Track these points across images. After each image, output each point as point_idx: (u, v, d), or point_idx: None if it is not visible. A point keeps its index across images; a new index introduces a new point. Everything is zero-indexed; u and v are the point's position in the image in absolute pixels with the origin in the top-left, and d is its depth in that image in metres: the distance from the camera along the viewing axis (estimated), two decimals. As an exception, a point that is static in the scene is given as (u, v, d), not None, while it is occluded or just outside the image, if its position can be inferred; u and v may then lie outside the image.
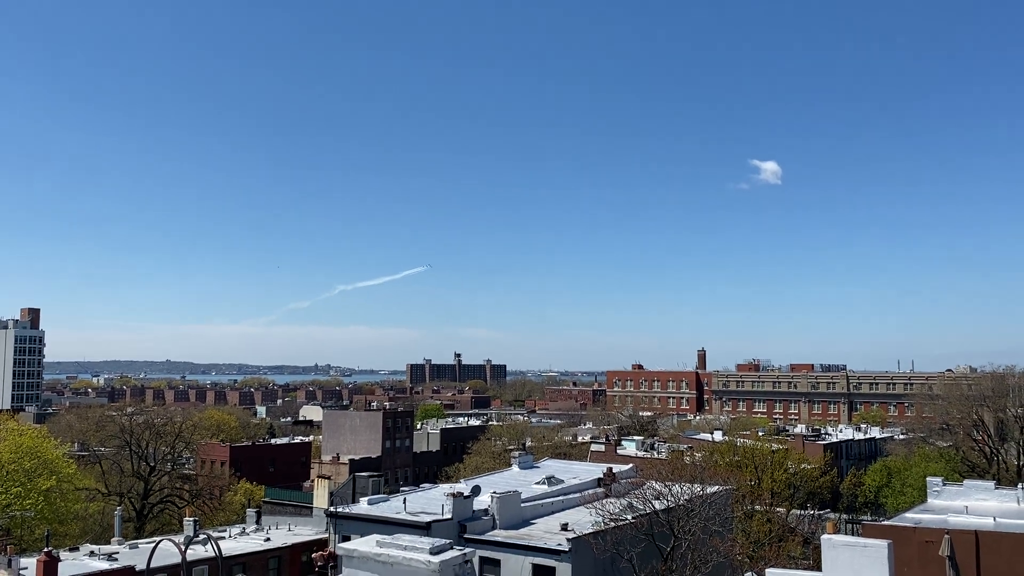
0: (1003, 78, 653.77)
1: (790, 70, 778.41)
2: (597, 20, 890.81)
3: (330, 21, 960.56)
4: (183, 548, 16.63)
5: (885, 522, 40.93)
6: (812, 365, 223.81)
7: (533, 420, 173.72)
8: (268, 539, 57.21)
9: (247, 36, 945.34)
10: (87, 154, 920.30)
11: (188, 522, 57.13)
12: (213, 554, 17.51)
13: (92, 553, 50.49)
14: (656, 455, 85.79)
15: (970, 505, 41.59)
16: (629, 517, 41.07)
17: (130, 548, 53.12)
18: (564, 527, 41.53)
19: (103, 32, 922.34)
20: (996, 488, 45.54)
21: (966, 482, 47.99)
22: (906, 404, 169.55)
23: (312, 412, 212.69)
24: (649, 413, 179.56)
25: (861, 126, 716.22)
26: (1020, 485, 45.40)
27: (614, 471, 53.96)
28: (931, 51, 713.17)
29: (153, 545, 19.72)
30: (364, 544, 12.52)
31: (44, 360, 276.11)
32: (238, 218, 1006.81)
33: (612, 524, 40.44)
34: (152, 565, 40.94)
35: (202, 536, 20.38)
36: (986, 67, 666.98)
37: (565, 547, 38.39)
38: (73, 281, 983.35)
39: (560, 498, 49.08)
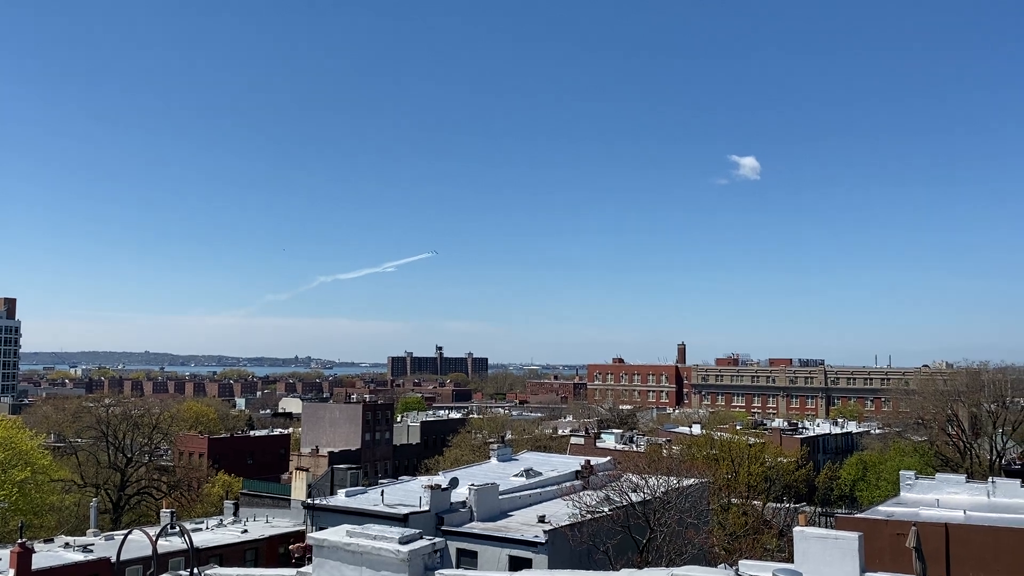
0: (979, 76, 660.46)
1: (769, 65, 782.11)
2: (573, 14, 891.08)
3: (304, 10, 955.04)
4: (154, 539, 16.59)
5: (858, 515, 41.45)
6: (790, 360, 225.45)
7: (514, 413, 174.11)
8: (245, 531, 57.17)
9: (221, 21, 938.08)
10: (63, 142, 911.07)
11: (165, 514, 57.05)
12: (186, 546, 17.50)
13: (67, 545, 50.26)
14: (635, 448, 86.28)
15: (941, 498, 42.13)
16: (606, 509, 41.31)
17: (106, 540, 52.88)
18: (541, 519, 41.74)
19: (76, 25, 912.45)
20: (967, 482, 46.16)
21: (938, 476, 48.58)
22: (882, 399, 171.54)
23: (291, 404, 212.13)
24: (629, 406, 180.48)
25: (839, 122, 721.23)
26: (991, 479, 46.06)
27: (592, 464, 54.25)
28: (907, 49, 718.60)
29: (123, 536, 19.62)
30: (334, 534, 12.55)
31: (20, 350, 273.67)
32: (217, 208, 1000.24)
33: (589, 516, 40.67)
34: (127, 557, 40.76)
35: (176, 527, 20.32)
36: (963, 65, 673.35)
37: (542, 539, 38.58)
38: (50, 271, 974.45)
39: (538, 490, 49.28)
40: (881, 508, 41.81)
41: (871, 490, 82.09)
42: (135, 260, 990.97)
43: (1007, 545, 32.23)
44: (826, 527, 36.68)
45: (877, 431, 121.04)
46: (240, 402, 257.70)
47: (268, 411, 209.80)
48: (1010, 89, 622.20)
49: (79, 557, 46.30)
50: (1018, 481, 44.32)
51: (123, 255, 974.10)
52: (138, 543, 38.25)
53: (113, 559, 43.12)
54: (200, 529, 56.93)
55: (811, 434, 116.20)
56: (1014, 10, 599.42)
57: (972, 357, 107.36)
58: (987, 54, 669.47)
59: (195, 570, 16.48)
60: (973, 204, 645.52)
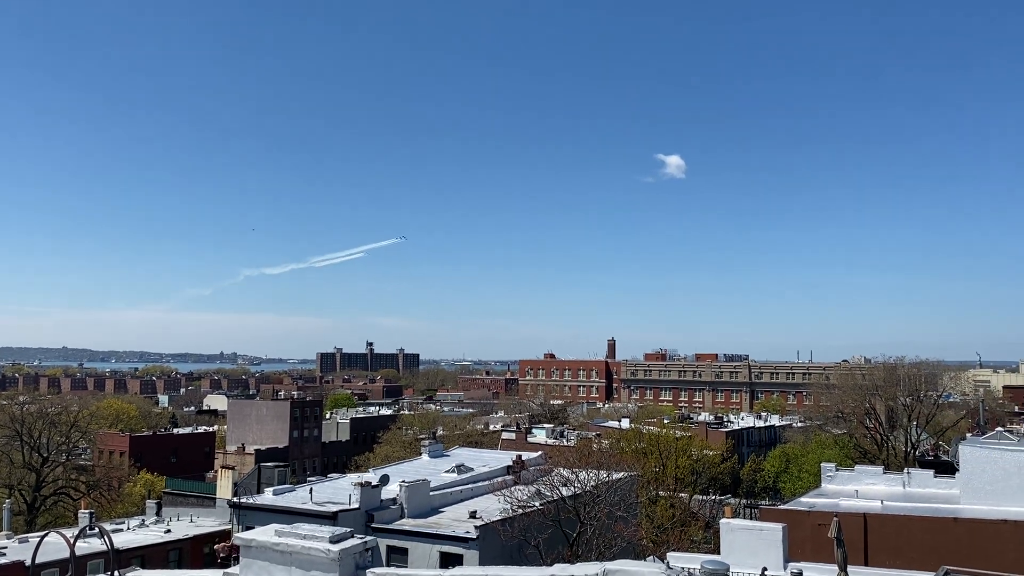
0: (897, 81, 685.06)
1: (692, 63, 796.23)
2: (500, 11, 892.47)
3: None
4: (71, 541, 16.00)
5: (781, 506, 42.51)
6: (716, 355, 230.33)
7: (445, 409, 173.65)
8: (169, 531, 55.82)
9: (148, 9, 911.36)
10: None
11: (83, 514, 55.33)
12: (107, 547, 16.91)
13: (-22, 548, 48.23)
14: (565, 443, 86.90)
15: (860, 489, 43.48)
16: (537, 504, 41.50)
17: (20, 543, 50.95)
18: (472, 515, 41.69)
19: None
20: (884, 473, 47.77)
21: (857, 467, 50.15)
22: (804, 393, 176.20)
23: (217, 401, 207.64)
24: (560, 401, 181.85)
25: (759, 119, 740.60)
26: (906, 470, 47.76)
27: (523, 459, 54.44)
28: (827, 45, 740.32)
29: (39, 539, 18.90)
30: (262, 534, 12.27)
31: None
32: (136, 198, 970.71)
33: (520, 511, 40.80)
34: (43, 560, 39.37)
35: (95, 528, 19.62)
36: (883, 60, 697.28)
37: (473, 535, 38.56)
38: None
39: (469, 486, 49.22)
40: (803, 499, 42.96)
41: (794, 482, 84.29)
42: (50, 252, 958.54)
43: (920, 532, 33.53)
44: (751, 518, 37.55)
45: (799, 424, 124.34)
46: (163, 399, 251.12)
47: (192, 408, 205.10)
48: (926, 94, 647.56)
49: (-9, 561, 44.50)
50: (931, 472, 46.05)
51: (37, 247, 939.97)
52: (55, 545, 36.88)
53: (28, 562, 41.58)
54: (121, 530, 55.36)
55: (736, 428, 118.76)
56: (921, 25, 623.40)
57: (889, 352, 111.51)
58: (903, 62, 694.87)
59: (115, 572, 15.95)
60: (887, 205, 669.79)
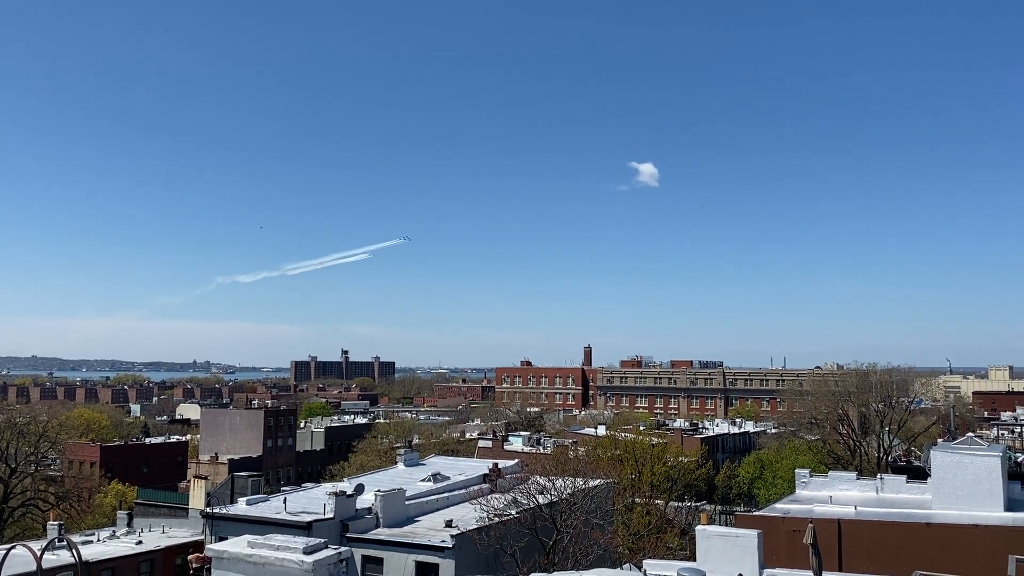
0: (877, 75, 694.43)
1: (664, 71, 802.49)
2: (473, 16, 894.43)
3: None
4: (38, 554, 15.71)
5: (756, 512, 42.70)
6: (691, 362, 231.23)
7: (421, 417, 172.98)
8: (140, 542, 54.97)
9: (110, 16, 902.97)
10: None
11: (52, 526, 54.32)
12: (75, 560, 16.61)
13: (-57, 562, 47.26)
14: (541, 450, 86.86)
15: (834, 495, 43.80)
16: (513, 512, 41.37)
17: (-14, 555, 49.98)
18: (448, 524, 41.47)
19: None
20: (858, 479, 48.17)
21: (831, 473, 50.55)
22: (778, 399, 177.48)
23: (190, 410, 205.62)
24: (536, 409, 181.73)
25: (731, 127, 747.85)
26: (879, 476, 48.17)
27: (500, 467, 54.30)
28: (797, 53, 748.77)
29: (5, 551, 18.53)
30: (235, 545, 12.10)
31: None
32: (107, 205, 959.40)
33: (496, 519, 40.65)
34: (9, 573, 38.60)
35: (64, 540, 19.30)
36: (853, 66, 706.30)
37: (449, 544, 38.33)
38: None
39: (445, 495, 48.99)
40: (778, 506, 43.17)
41: (768, 488, 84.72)
42: (18, 258, 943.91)
43: (893, 538, 33.82)
44: (726, 525, 37.65)
45: (773, 431, 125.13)
46: (135, 408, 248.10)
47: (165, 418, 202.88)
48: (901, 98, 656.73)
49: (-44, 575, 43.60)
50: (903, 477, 46.46)
51: (4, 254, 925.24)
52: (21, 558, 36.18)
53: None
54: (91, 541, 54.45)
55: (711, 434, 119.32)
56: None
57: (861, 359, 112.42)
58: (874, 68, 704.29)
59: (85, 586, 15.67)
60: (859, 213, 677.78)
